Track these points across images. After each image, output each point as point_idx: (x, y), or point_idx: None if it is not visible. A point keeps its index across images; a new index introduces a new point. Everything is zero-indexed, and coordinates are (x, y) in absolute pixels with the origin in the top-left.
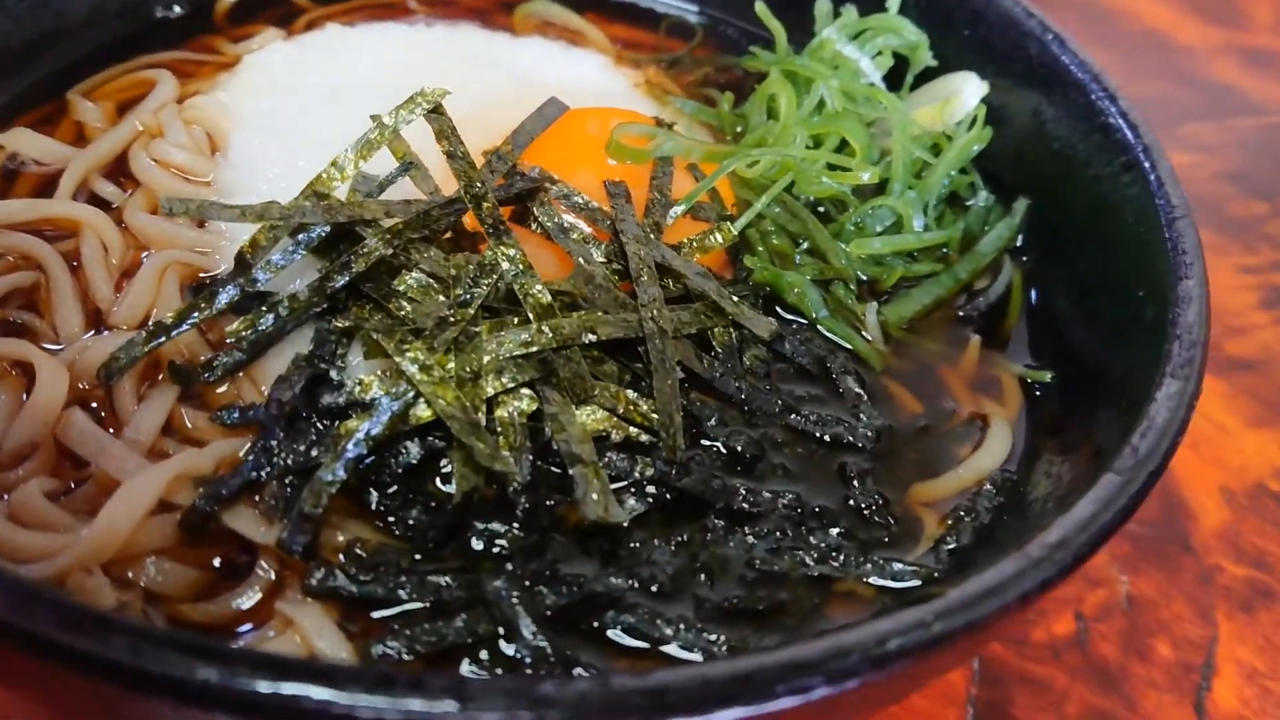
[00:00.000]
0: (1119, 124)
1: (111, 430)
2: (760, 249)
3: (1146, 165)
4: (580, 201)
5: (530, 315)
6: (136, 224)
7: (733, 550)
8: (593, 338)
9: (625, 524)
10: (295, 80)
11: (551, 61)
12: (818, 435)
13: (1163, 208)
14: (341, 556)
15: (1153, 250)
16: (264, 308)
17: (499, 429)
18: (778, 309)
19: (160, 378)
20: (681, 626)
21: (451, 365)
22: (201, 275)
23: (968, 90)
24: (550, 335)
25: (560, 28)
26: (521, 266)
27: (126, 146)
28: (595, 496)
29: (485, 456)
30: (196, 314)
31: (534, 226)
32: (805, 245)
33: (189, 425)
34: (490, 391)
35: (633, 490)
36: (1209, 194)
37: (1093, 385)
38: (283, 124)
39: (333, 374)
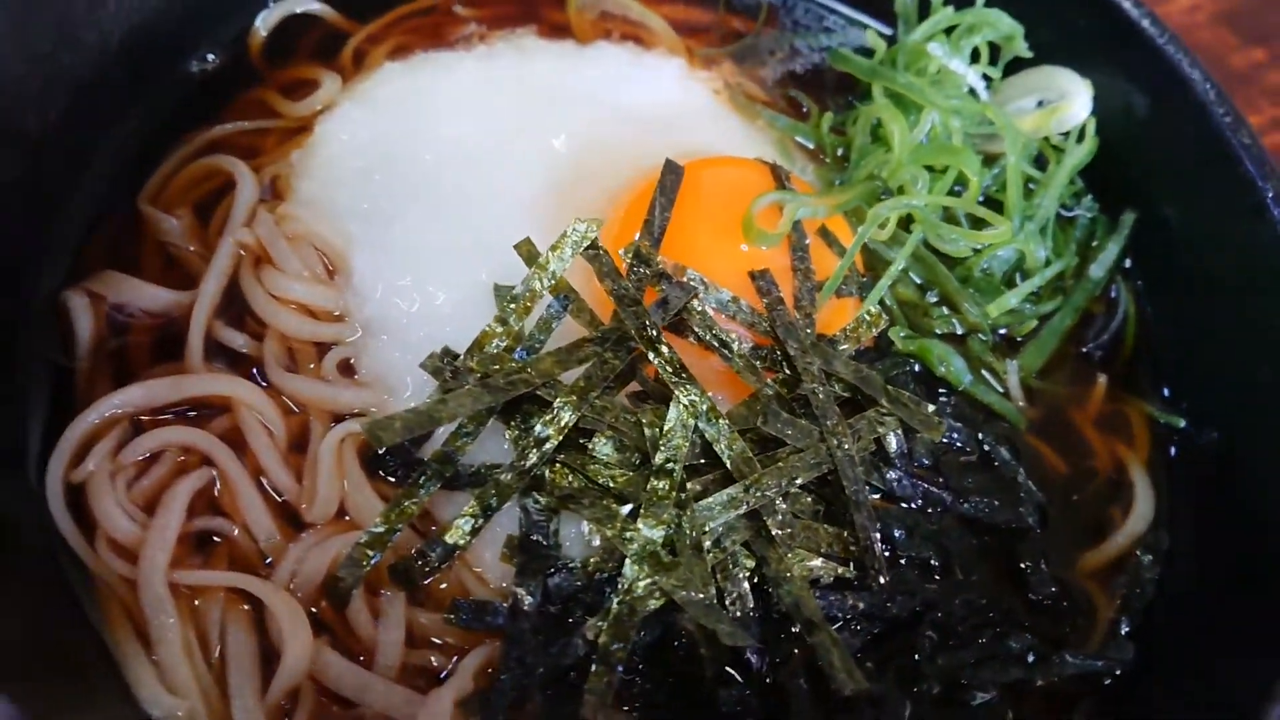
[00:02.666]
0: (1242, 157)
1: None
2: (893, 306)
3: (1277, 212)
4: (730, 303)
5: (730, 468)
6: (288, 389)
7: (943, 667)
8: (796, 486)
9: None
10: (381, 154)
11: (627, 79)
12: (988, 524)
13: None
14: None
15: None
16: (474, 502)
17: (731, 601)
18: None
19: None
20: None
21: (673, 541)
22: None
23: (1079, 98)
24: (758, 494)
25: (620, 20)
26: (708, 414)
27: (234, 273)
28: (842, 673)
29: (728, 636)
30: (406, 506)
31: (691, 339)
32: (934, 294)
33: (425, 627)
34: (712, 562)
35: (852, 627)
36: (1209, 44)
37: (1231, 425)
38: (394, 227)
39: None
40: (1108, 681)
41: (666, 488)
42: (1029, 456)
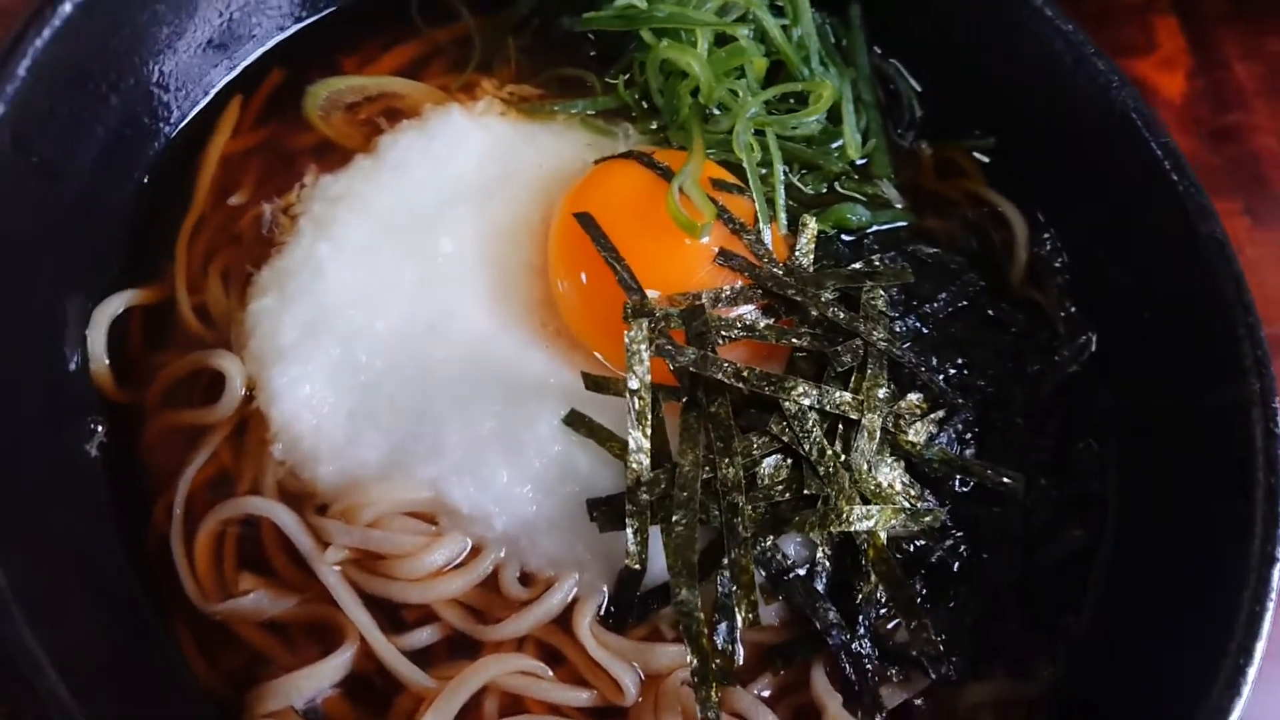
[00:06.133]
0: None
1: None
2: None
3: None
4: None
5: (848, 411)
6: (517, 631)
7: None
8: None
9: None
10: (341, 374)
11: (437, 155)
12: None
13: None
14: None
15: None
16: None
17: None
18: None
19: None
20: None
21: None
22: None
23: None
24: (875, 408)
25: (366, 104)
26: (816, 395)
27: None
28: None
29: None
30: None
31: (723, 341)
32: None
33: None
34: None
35: None
36: None
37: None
38: (438, 427)
39: None
40: None
41: (832, 465)
42: (936, 233)
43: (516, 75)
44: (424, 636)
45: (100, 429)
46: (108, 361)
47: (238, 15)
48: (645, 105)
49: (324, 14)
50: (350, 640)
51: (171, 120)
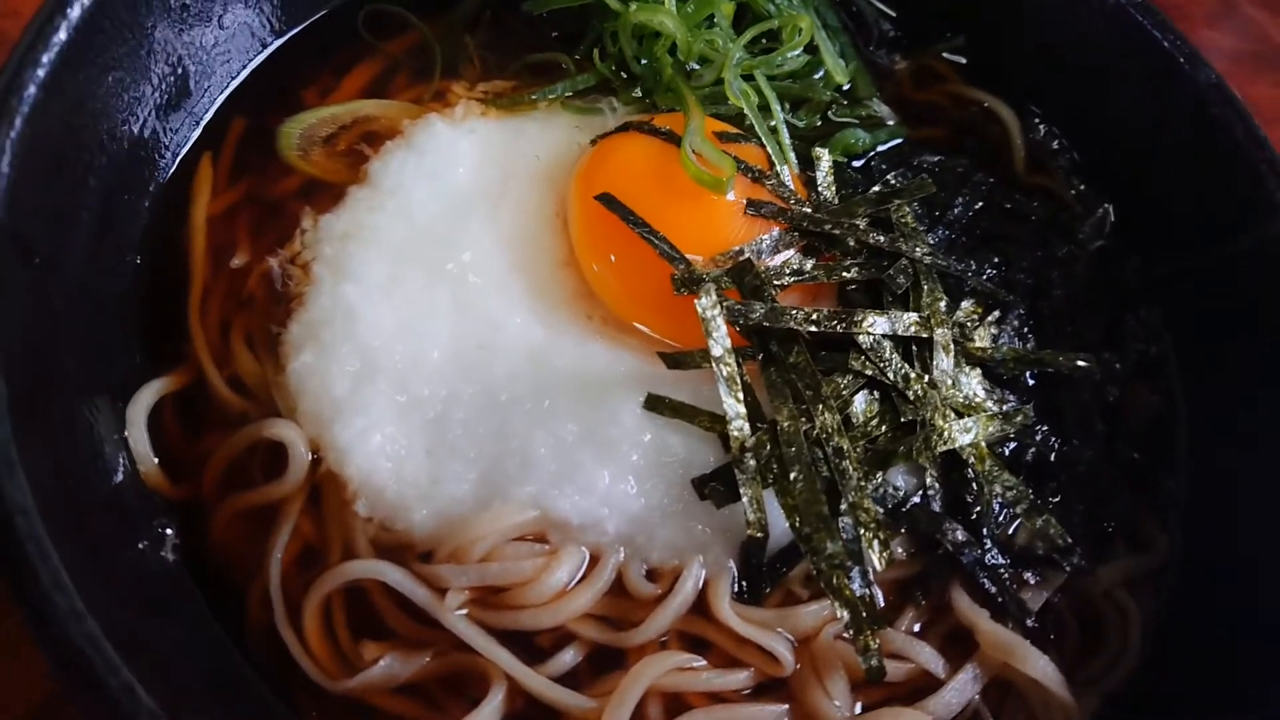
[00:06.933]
0: None
1: None
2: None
3: None
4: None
5: (917, 332)
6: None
7: None
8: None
9: None
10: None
11: (432, 171)
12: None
13: None
14: None
15: None
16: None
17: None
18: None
19: None
20: None
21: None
22: None
23: None
24: (940, 320)
25: (343, 133)
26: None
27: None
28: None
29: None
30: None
31: (777, 290)
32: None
33: None
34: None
35: None
36: None
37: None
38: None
39: None
40: None
41: (920, 388)
42: (934, 142)
43: (484, 72)
44: (567, 659)
45: (169, 531)
46: (156, 461)
47: (191, 66)
48: (624, 75)
49: (272, 50)
50: (497, 681)
51: (149, 191)
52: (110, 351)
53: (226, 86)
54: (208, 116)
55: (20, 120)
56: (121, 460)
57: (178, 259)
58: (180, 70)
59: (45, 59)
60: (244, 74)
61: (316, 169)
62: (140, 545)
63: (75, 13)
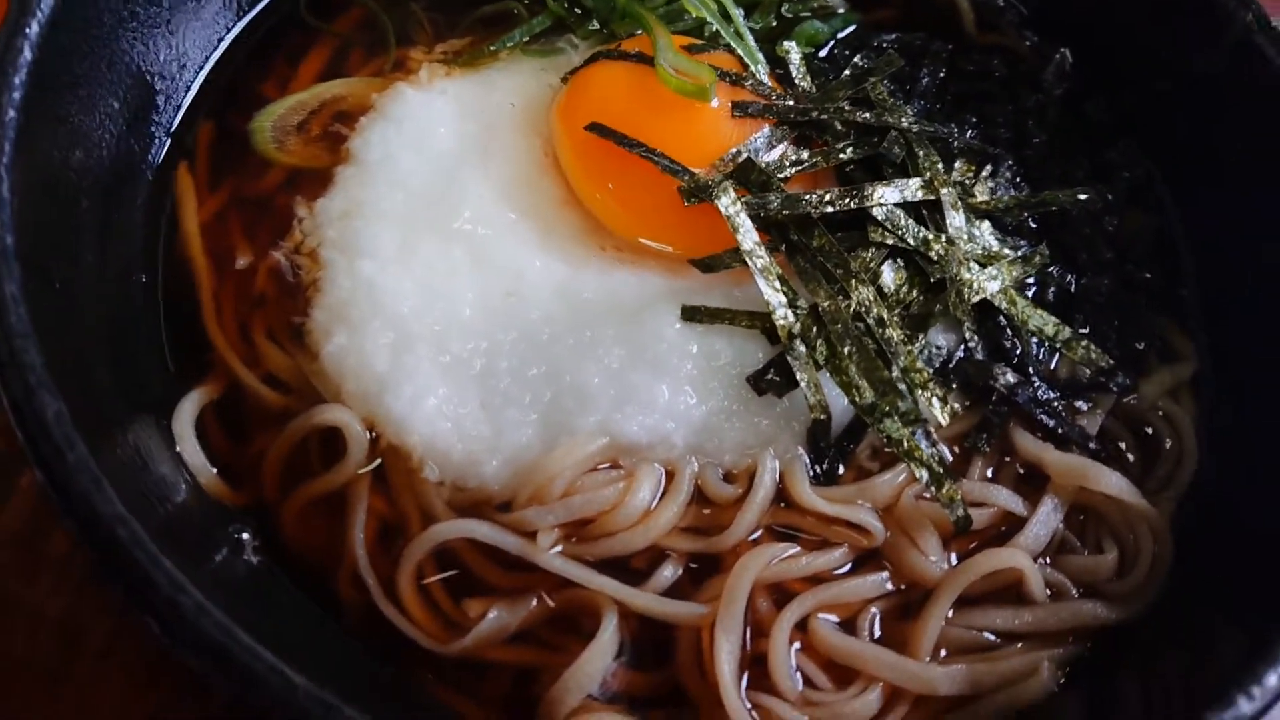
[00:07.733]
0: None
1: None
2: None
3: None
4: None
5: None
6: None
7: None
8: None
9: None
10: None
11: (412, 140)
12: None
13: None
14: None
15: None
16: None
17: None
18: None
19: None
20: None
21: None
22: None
23: None
24: (946, 182)
25: (314, 118)
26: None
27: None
28: None
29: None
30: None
31: (782, 182)
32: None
33: None
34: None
35: None
36: None
37: None
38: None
39: None
40: None
41: (940, 247)
42: (886, 22)
43: (437, 34)
44: (667, 575)
45: (245, 536)
46: (215, 471)
47: (150, 74)
48: (578, 11)
49: (223, 49)
50: (607, 609)
51: (138, 207)
52: (139, 371)
53: (188, 92)
54: (175, 124)
55: (9, 145)
56: (182, 475)
57: (178, 271)
58: (143, 80)
59: (18, 80)
60: (201, 76)
61: (296, 158)
62: (220, 554)
63: (34, 30)
